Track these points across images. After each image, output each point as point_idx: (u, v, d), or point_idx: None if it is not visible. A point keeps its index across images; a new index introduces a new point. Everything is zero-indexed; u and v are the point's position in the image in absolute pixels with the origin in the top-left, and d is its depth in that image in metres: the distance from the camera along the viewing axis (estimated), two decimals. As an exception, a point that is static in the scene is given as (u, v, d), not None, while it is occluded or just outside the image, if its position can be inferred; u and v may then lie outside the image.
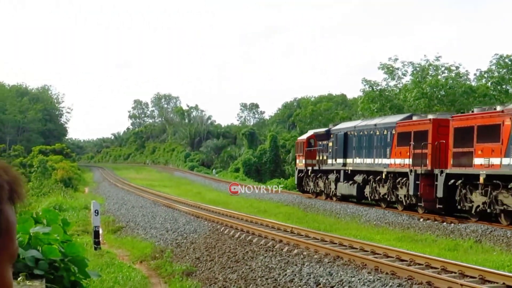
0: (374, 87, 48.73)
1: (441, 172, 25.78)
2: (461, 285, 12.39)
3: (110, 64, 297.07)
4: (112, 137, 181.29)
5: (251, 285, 15.00)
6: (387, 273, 14.12)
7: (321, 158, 38.55)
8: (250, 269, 16.30)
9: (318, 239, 19.76)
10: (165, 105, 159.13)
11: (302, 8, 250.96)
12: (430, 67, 48.79)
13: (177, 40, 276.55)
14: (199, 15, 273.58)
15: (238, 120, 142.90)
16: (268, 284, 14.71)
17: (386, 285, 12.93)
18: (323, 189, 38.52)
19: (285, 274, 15.04)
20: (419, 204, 28.05)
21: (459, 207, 25.33)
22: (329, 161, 37.01)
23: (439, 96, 45.51)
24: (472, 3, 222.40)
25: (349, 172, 34.39)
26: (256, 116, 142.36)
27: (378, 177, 31.27)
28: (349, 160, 34.64)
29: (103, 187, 57.98)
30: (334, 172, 36.30)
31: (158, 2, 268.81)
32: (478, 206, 24.09)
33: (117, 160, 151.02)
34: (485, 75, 49.09)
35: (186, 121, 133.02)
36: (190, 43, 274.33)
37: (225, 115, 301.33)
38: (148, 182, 65.52)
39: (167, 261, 19.06)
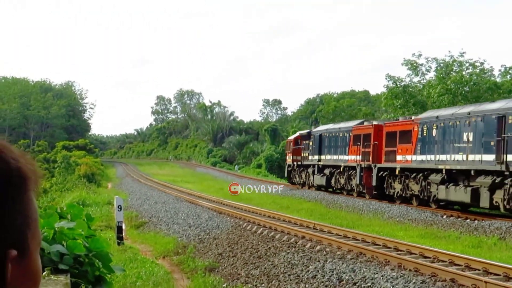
0: (397, 83, 48.40)
1: (375, 166, 34.06)
2: (485, 282, 12.29)
3: (133, 60, 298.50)
4: (135, 133, 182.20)
5: (274, 281, 15.00)
6: (410, 270, 14.03)
7: (304, 155, 46.03)
8: (272, 265, 16.29)
9: (340, 235, 19.69)
10: (188, 101, 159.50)
11: (326, 3, 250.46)
12: (454, 63, 48.39)
13: (201, 36, 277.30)
14: (222, 11, 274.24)
15: (260, 116, 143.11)
16: (290, 280, 14.70)
17: (409, 282, 12.86)
18: (305, 180, 45.57)
19: (308, 270, 15.02)
20: (363, 191, 36.07)
21: (386, 192, 33.17)
22: (310, 157, 44.50)
23: (463, 92, 45.08)
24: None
25: (321, 166, 42.23)
26: (279, 112, 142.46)
27: (339, 170, 39.21)
28: (322, 157, 42.34)
29: (126, 183, 58.07)
30: (312, 166, 44.06)
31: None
32: (398, 192, 31.90)
33: (140, 156, 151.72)
34: (510, 71, 48.60)
35: (209, 117, 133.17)
36: (213, 39, 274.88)
37: (248, 111, 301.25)
38: (171, 177, 65.59)
39: (190, 256, 19.06)
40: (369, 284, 13.21)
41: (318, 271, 14.79)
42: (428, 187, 29.01)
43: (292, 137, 51.05)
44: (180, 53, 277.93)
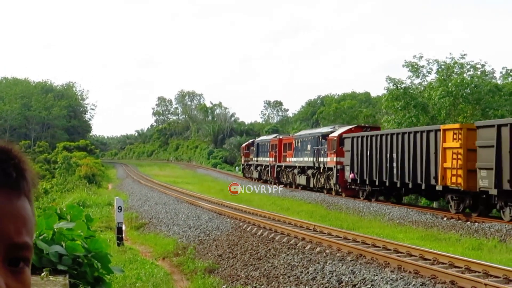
0: (398, 85, 48.22)
1: (275, 165, 53.59)
2: (485, 284, 12.28)
3: (134, 61, 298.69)
4: (136, 134, 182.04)
5: (273, 282, 14.99)
6: (410, 272, 14.02)
7: (250, 157, 64.00)
8: (272, 267, 16.30)
9: (340, 237, 19.70)
10: (189, 102, 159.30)
11: (327, 6, 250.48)
12: (455, 65, 48.24)
13: (202, 37, 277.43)
14: (222, 12, 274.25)
15: (261, 118, 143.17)
16: (290, 282, 14.70)
17: (409, 284, 12.85)
18: (251, 175, 62.79)
19: (308, 272, 15.02)
20: (271, 180, 54.86)
21: (282, 180, 51.86)
22: (254, 159, 61.74)
23: (464, 94, 44.94)
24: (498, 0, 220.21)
25: (256, 165, 60.46)
26: (280, 113, 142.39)
27: (264, 167, 57.93)
28: (258, 158, 60.26)
29: (126, 184, 58.31)
30: (253, 165, 62.04)
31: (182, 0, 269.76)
32: (285, 179, 50.93)
33: (140, 157, 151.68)
34: (511, 73, 48.49)
35: (210, 118, 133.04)
36: (214, 41, 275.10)
37: (249, 112, 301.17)
38: (171, 179, 65.99)
39: (190, 258, 19.09)
40: (368, 286, 13.20)
41: (317, 273, 14.78)
42: (295, 176, 48.38)
43: (244, 144, 71.16)
44: (182, 54, 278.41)
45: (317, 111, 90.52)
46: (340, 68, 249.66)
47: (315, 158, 43.23)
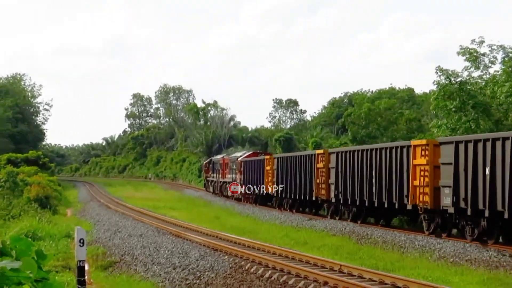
0: (452, 79, 48.11)
1: (219, 180, 78.30)
2: None
3: (101, 46, 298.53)
4: (104, 143, 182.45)
5: None
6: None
7: (210, 173, 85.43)
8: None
9: (375, 280, 19.81)
10: (174, 101, 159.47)
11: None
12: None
13: (191, 16, 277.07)
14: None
15: (270, 122, 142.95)
16: None
17: None
18: (213, 190, 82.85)
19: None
20: (219, 194, 78.71)
21: (224, 193, 73.78)
22: (212, 175, 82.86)
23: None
24: None
25: (214, 181, 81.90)
26: (295, 116, 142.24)
27: (217, 183, 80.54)
28: (213, 175, 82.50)
29: (91, 209, 58.62)
30: (212, 181, 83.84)
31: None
32: (224, 192, 74.89)
33: (109, 173, 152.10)
34: None
35: (202, 122, 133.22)
36: (207, 20, 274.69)
37: (254, 114, 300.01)
38: (151, 202, 66.82)
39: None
40: None
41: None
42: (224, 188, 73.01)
43: (204, 162, 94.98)
44: (164, 37, 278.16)
45: (343, 113, 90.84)
46: (373, 57, 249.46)
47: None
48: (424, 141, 34.08)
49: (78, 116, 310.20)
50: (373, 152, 38.52)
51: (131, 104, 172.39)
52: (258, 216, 50.06)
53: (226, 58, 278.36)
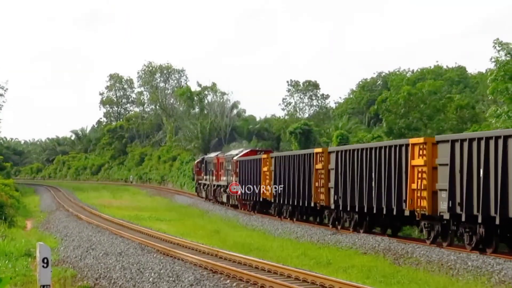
0: (514, 55, 47.43)
1: (213, 184, 76.83)
2: None
3: (69, 17, 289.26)
4: (73, 137, 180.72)
5: None
6: None
7: (202, 175, 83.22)
8: None
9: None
10: (162, 84, 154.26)
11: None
12: None
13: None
14: None
15: (283, 110, 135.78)
16: None
17: None
18: (205, 195, 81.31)
19: None
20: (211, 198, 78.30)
21: (219, 200, 73.25)
22: (205, 177, 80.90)
23: None
24: None
25: (207, 185, 79.97)
26: (315, 103, 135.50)
27: (210, 186, 79.31)
28: (206, 177, 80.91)
29: (56, 220, 57.84)
30: (204, 184, 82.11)
31: None
32: (218, 197, 74.33)
33: (80, 175, 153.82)
34: None
35: (197, 110, 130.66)
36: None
37: (263, 101, 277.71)
38: (133, 212, 68.06)
39: None
40: None
41: None
42: (222, 194, 71.61)
43: (196, 161, 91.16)
44: (151, 5, 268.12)
45: (376, 99, 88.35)
46: (413, 28, 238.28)
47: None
48: (421, 139, 34.37)
49: (41, 104, 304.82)
50: (373, 152, 38.37)
51: (107, 87, 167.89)
52: (268, 230, 48.89)
53: (227, 29, 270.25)
